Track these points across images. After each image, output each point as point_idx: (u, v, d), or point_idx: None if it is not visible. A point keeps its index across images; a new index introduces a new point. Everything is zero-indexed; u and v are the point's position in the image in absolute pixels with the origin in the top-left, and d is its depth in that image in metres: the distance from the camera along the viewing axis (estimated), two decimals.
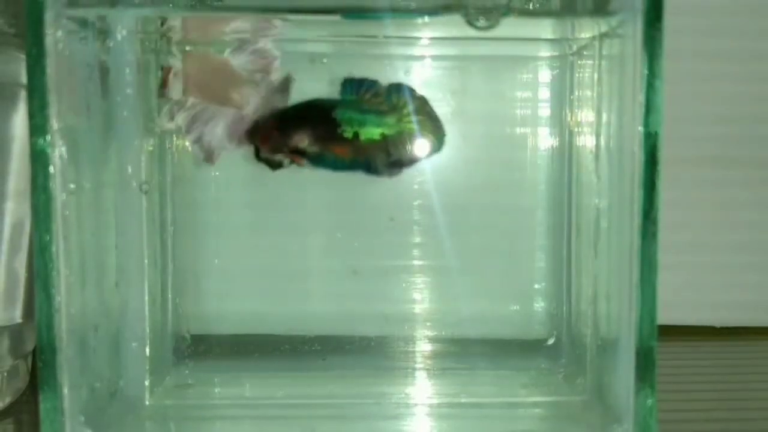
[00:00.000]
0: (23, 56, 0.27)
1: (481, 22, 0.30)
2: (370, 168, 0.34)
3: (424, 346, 0.37)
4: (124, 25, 0.31)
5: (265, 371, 0.36)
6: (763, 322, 0.47)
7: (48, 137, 0.26)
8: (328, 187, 0.36)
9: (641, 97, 0.27)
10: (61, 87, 0.27)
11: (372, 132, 0.34)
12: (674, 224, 0.40)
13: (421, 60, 0.36)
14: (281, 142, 0.34)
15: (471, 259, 0.37)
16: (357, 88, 0.34)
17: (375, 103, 0.34)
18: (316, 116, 0.34)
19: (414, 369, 0.36)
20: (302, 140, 0.33)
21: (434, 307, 0.37)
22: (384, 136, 0.34)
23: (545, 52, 0.36)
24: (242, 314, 0.37)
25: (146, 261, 0.33)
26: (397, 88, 0.34)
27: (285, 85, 0.34)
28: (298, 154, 0.34)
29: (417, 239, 0.37)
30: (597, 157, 0.32)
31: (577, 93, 0.34)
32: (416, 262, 0.37)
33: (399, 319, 0.37)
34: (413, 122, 0.34)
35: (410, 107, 0.34)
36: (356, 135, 0.33)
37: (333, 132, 0.33)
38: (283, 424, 0.32)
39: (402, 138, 0.34)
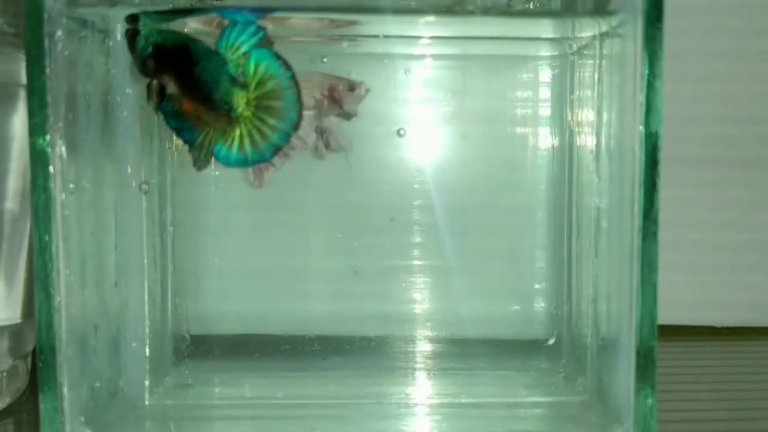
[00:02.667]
0: (23, 56, 0.27)
1: None
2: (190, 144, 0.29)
3: (424, 346, 0.37)
4: (123, 24, 0.31)
5: (265, 371, 0.36)
6: (763, 322, 0.47)
7: (48, 137, 0.26)
8: (328, 187, 0.36)
9: (642, 97, 0.27)
10: (60, 87, 0.27)
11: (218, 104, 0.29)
12: (674, 224, 0.40)
13: (422, 59, 0.36)
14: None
15: (471, 259, 0.37)
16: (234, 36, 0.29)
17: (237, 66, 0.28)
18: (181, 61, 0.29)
19: (414, 369, 0.36)
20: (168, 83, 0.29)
21: (434, 307, 0.37)
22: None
23: (546, 51, 0.36)
24: (242, 314, 0.37)
25: (146, 261, 0.33)
26: (262, 55, 0.29)
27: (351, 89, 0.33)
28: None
29: (417, 239, 0.37)
30: (597, 156, 0.32)
31: (577, 93, 0.34)
32: (416, 262, 0.37)
33: (399, 319, 0.37)
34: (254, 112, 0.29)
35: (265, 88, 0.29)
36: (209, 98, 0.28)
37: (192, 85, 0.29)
38: (283, 425, 0.32)
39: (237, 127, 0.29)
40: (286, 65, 0.29)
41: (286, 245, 0.37)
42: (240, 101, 0.29)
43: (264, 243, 0.37)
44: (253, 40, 0.29)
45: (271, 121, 0.29)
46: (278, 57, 0.29)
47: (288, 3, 0.31)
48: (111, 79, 0.31)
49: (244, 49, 0.29)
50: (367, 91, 0.33)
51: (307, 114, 0.32)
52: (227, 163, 0.30)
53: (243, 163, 0.30)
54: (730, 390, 0.39)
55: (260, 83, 0.29)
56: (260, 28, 0.29)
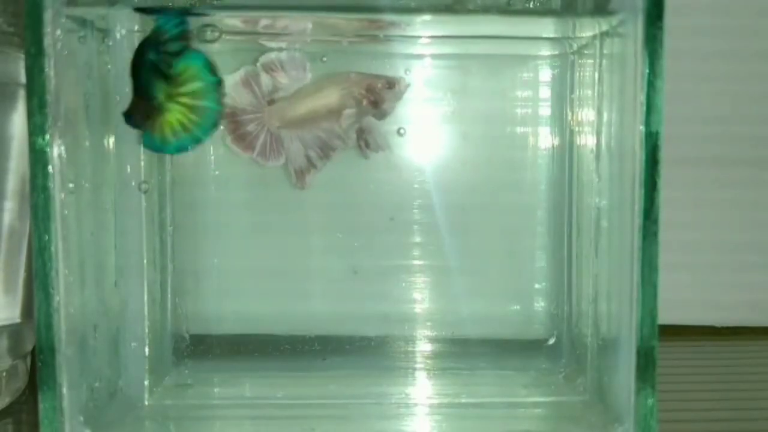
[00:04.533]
0: (22, 55, 0.27)
1: None
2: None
3: (424, 346, 0.37)
4: (123, 24, 0.31)
5: (264, 371, 0.36)
6: (763, 322, 0.47)
7: (47, 137, 0.26)
8: (328, 187, 0.36)
9: (642, 97, 0.27)
10: (60, 86, 0.27)
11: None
12: (675, 224, 0.40)
13: (422, 59, 0.36)
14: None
15: (471, 259, 0.37)
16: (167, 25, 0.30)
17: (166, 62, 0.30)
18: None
19: (414, 369, 0.36)
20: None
21: (434, 307, 0.37)
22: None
23: (546, 50, 0.36)
24: (242, 314, 0.37)
25: (145, 261, 0.33)
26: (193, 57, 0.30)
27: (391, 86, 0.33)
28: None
29: (417, 239, 0.37)
30: (598, 156, 0.32)
31: (577, 92, 0.34)
32: (416, 262, 0.37)
33: (399, 319, 0.37)
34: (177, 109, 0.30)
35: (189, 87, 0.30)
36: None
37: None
38: (282, 425, 0.32)
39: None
40: (214, 71, 0.30)
41: (286, 245, 0.37)
42: (160, 92, 0.30)
43: (264, 243, 0.37)
44: (175, 31, 0.30)
45: (193, 116, 0.30)
46: (209, 61, 0.30)
47: (288, 3, 0.31)
48: (110, 78, 0.31)
49: (172, 44, 0.30)
50: (407, 86, 0.33)
51: (347, 113, 0.32)
52: (148, 146, 0.31)
53: (160, 148, 0.31)
54: (730, 390, 0.39)
55: (184, 81, 0.30)
56: (184, 21, 0.30)
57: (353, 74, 0.33)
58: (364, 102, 0.32)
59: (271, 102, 0.33)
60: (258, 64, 0.33)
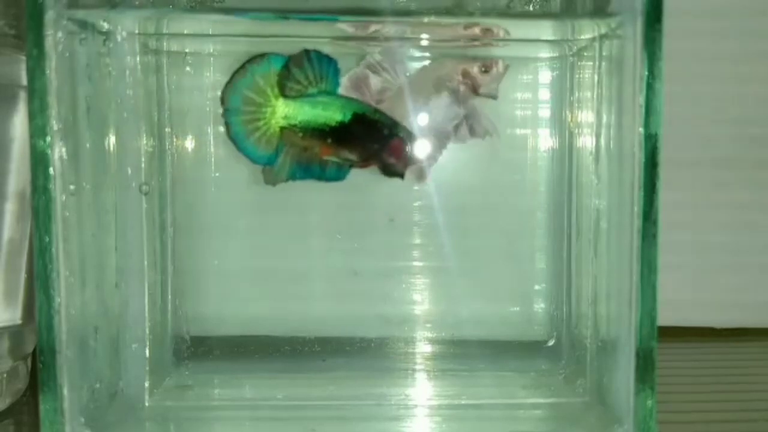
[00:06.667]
0: (24, 58, 0.27)
1: None
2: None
3: (424, 348, 0.37)
4: (124, 26, 0.31)
5: (265, 372, 0.36)
6: (763, 323, 0.47)
7: (48, 138, 0.26)
8: (328, 188, 0.36)
9: (641, 99, 0.27)
10: (61, 88, 0.27)
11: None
12: (674, 225, 0.40)
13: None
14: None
15: (471, 261, 0.37)
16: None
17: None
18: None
19: (414, 370, 0.36)
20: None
21: (434, 309, 0.37)
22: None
23: (545, 53, 0.36)
24: (242, 315, 0.37)
25: (146, 262, 0.33)
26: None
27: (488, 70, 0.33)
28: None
29: (417, 240, 0.37)
30: (597, 158, 0.32)
31: (577, 94, 0.34)
32: (416, 264, 0.37)
33: (399, 321, 0.37)
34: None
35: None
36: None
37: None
38: (283, 426, 0.32)
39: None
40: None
41: (286, 246, 0.37)
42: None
43: (264, 244, 0.37)
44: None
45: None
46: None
47: (289, 6, 0.31)
48: (111, 80, 0.31)
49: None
50: (507, 67, 0.32)
51: (444, 101, 0.32)
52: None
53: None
54: (730, 391, 0.39)
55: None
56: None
57: (448, 61, 0.33)
58: (462, 88, 0.32)
59: (379, 102, 0.33)
60: (362, 67, 0.33)
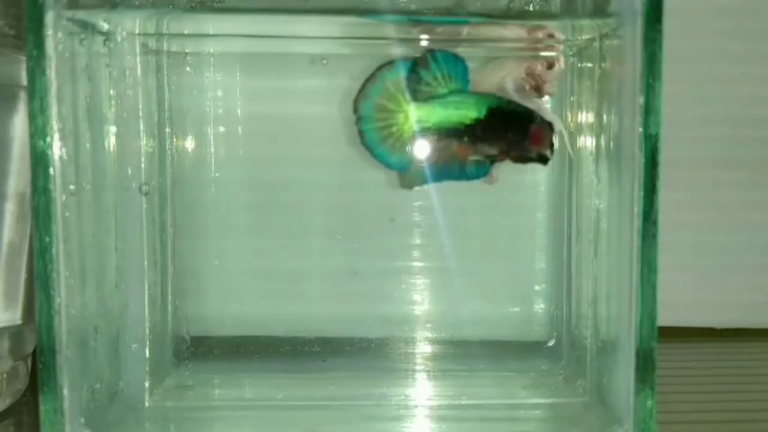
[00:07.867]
0: (24, 58, 0.27)
1: None
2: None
3: (424, 348, 0.37)
4: (124, 26, 0.31)
5: (265, 373, 0.36)
6: (763, 323, 0.47)
7: (48, 139, 0.26)
8: (328, 188, 0.36)
9: (641, 99, 0.27)
10: (61, 88, 0.27)
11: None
12: (675, 225, 0.40)
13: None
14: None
15: (471, 261, 0.37)
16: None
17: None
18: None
19: (414, 371, 0.36)
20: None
21: (434, 309, 0.37)
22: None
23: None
24: (242, 316, 0.37)
25: (146, 262, 0.33)
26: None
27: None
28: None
29: (417, 240, 0.37)
30: (597, 158, 0.32)
31: (577, 94, 0.34)
32: (416, 264, 0.37)
33: (399, 321, 0.37)
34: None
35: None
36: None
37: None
38: (283, 426, 0.32)
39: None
40: None
41: (286, 246, 0.37)
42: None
43: (264, 244, 0.37)
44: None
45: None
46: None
47: (289, 5, 0.31)
48: (111, 80, 0.31)
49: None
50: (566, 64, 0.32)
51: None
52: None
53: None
54: (730, 391, 0.39)
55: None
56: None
57: (510, 61, 0.33)
58: (527, 87, 0.32)
59: None
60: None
